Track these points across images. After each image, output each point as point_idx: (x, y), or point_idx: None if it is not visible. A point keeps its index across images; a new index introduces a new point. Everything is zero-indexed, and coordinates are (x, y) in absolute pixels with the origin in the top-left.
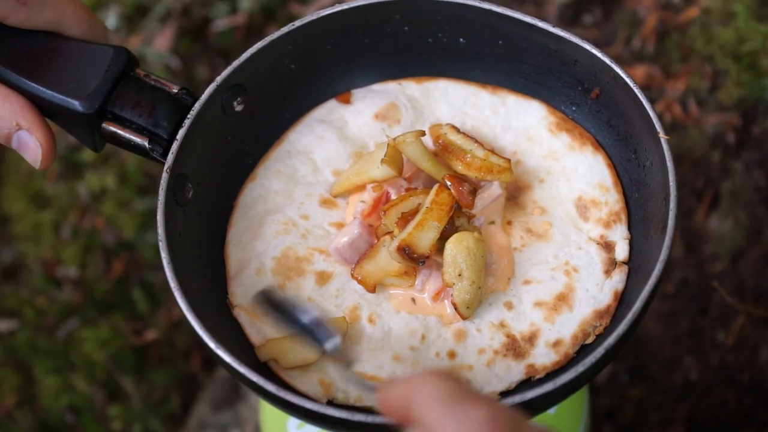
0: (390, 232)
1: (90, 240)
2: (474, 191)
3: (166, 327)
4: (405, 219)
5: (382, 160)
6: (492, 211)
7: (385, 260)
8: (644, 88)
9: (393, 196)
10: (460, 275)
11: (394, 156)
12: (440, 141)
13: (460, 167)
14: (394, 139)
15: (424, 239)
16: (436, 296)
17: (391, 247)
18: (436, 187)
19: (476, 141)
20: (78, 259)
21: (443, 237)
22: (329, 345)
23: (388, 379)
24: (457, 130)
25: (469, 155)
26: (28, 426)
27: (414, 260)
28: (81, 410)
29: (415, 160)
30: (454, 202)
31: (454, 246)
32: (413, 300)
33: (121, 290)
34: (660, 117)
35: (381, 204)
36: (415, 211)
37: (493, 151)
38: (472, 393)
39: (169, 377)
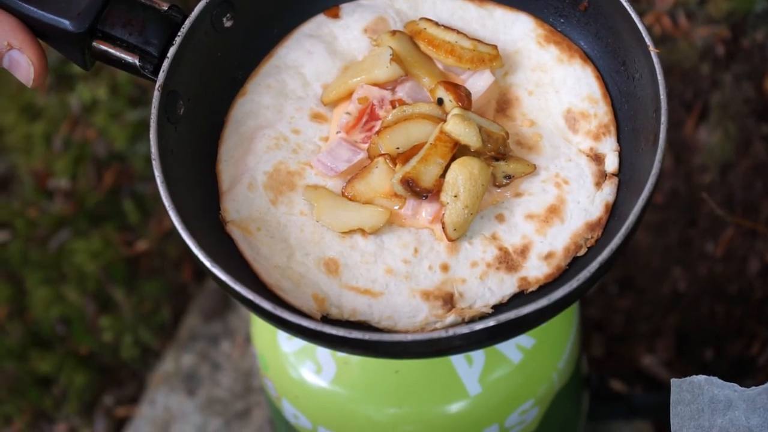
0: (383, 154)
1: (81, 151)
2: (469, 94)
3: (157, 238)
4: (406, 156)
5: (392, 59)
6: (485, 100)
7: (377, 181)
8: (633, 1)
9: (377, 109)
10: (456, 197)
11: (398, 57)
12: (422, 37)
13: (450, 60)
14: (392, 34)
15: (428, 174)
16: (435, 218)
17: (395, 179)
18: (441, 125)
19: (458, 32)
20: (69, 170)
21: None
22: None
23: (381, 293)
24: (436, 24)
25: (456, 47)
26: (19, 337)
27: (417, 194)
28: (72, 321)
29: (409, 61)
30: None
31: (458, 168)
32: (404, 218)
33: (112, 201)
34: (649, 29)
35: (365, 115)
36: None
37: (478, 40)
38: None
39: (159, 288)
